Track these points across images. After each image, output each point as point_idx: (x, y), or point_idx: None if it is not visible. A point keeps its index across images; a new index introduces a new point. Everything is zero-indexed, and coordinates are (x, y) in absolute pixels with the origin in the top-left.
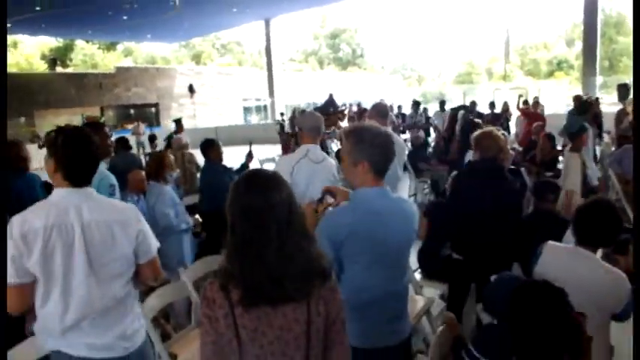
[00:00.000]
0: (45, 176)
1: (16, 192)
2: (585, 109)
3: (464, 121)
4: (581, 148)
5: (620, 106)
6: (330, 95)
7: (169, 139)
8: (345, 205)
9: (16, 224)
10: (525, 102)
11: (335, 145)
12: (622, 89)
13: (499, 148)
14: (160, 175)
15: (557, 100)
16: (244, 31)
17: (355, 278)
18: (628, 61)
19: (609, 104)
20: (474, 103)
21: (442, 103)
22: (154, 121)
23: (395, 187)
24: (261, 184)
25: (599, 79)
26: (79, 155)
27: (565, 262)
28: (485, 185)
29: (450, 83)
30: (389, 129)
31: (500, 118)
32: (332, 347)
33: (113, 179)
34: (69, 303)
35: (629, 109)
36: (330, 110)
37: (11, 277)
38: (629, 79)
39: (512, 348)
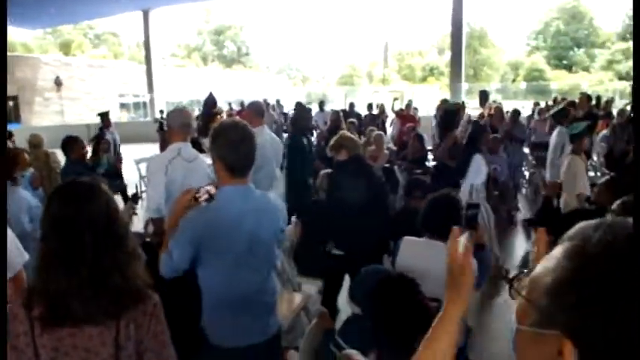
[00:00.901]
0: None
1: None
2: (450, 120)
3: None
4: (582, 150)
5: (480, 110)
6: (210, 93)
7: (97, 137)
8: (206, 206)
9: None
10: (404, 106)
11: None
12: (482, 95)
13: (359, 147)
14: (11, 174)
15: (430, 104)
16: (121, 22)
17: (217, 275)
18: (489, 71)
19: (472, 109)
20: (352, 105)
21: (321, 104)
22: (12, 116)
23: (271, 185)
24: (75, 195)
25: (464, 86)
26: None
27: (419, 253)
28: (356, 181)
29: (334, 84)
30: (265, 128)
31: (377, 120)
32: None
33: None
34: None
35: (486, 112)
36: (212, 111)
37: None
38: (488, 86)
39: (372, 336)
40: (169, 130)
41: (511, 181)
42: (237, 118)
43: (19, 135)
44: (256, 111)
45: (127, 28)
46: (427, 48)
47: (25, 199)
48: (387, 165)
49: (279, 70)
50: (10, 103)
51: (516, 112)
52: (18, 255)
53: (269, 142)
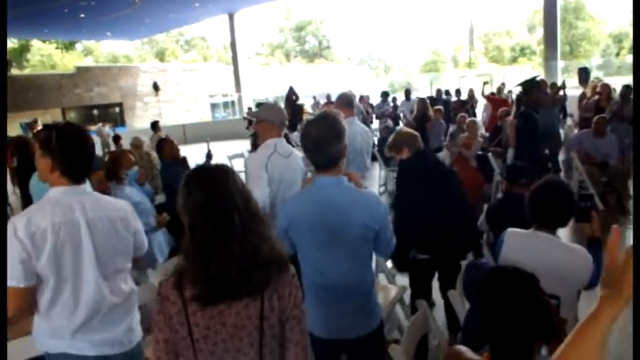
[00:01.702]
0: None
1: None
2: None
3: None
4: None
5: (581, 90)
6: (291, 87)
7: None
8: (300, 192)
9: (21, 225)
10: (496, 89)
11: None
12: (582, 73)
13: (419, 141)
14: (117, 174)
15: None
16: (208, 26)
17: (304, 262)
18: (587, 46)
19: (571, 88)
20: (439, 91)
21: (407, 92)
22: (118, 121)
23: (363, 176)
24: (211, 177)
25: (560, 64)
26: (76, 151)
27: (526, 246)
28: (425, 179)
29: (417, 72)
30: (356, 119)
31: (467, 105)
32: (288, 346)
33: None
34: (79, 301)
35: (589, 92)
36: (296, 105)
37: (19, 281)
38: (588, 63)
39: (483, 335)
40: (266, 125)
41: (621, 165)
42: (328, 109)
43: (125, 137)
44: (345, 102)
45: (214, 32)
46: (516, 27)
47: (129, 196)
48: (480, 152)
49: (361, 61)
50: (117, 109)
51: (627, 89)
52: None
53: (360, 133)
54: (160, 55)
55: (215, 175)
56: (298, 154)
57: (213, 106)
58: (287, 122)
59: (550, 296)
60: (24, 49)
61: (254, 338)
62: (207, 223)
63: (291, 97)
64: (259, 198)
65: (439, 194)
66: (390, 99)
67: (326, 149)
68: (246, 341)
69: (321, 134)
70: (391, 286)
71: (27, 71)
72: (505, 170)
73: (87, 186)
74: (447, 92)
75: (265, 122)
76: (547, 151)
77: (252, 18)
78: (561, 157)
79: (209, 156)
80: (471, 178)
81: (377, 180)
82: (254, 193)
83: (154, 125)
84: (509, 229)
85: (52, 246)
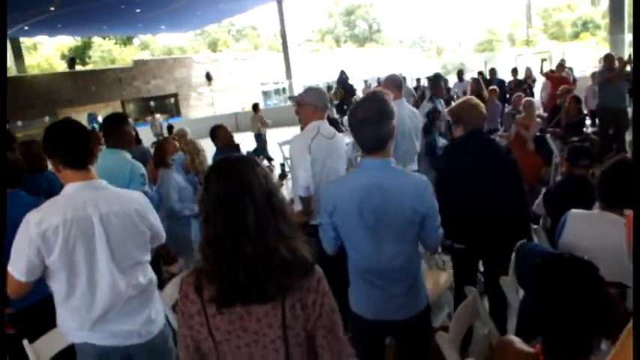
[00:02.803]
0: None
1: (41, 189)
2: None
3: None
4: None
5: None
6: (342, 72)
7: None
8: (345, 175)
9: (33, 222)
10: (555, 67)
11: None
12: None
13: (483, 117)
14: (163, 159)
15: (584, 63)
16: (258, 15)
17: (350, 246)
18: None
19: None
20: (493, 71)
21: (460, 73)
22: (174, 111)
23: (412, 158)
24: (232, 168)
25: (627, 37)
26: (66, 137)
27: (591, 229)
28: (476, 163)
29: (471, 52)
30: (404, 101)
31: (523, 85)
32: (322, 354)
33: (143, 168)
34: (95, 295)
35: None
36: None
37: (20, 275)
38: None
39: (536, 328)
40: (309, 108)
41: None
42: (376, 90)
43: (180, 127)
44: (393, 84)
45: (265, 21)
46: (577, 0)
47: (175, 179)
48: (538, 134)
49: (413, 44)
50: (172, 100)
51: None
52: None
53: (408, 115)
54: (213, 46)
55: (235, 167)
56: (341, 136)
57: (265, 93)
58: (329, 105)
59: (616, 284)
60: (86, 46)
61: (279, 346)
62: (220, 218)
63: (342, 81)
64: (303, 180)
65: (491, 180)
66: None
67: (373, 130)
68: (271, 348)
69: (368, 115)
70: (441, 272)
71: (89, 67)
72: (568, 151)
73: (100, 181)
74: (492, 71)
75: (308, 105)
76: (611, 131)
77: (301, 4)
78: (628, 137)
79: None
80: (528, 161)
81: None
82: (297, 175)
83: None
84: (573, 211)
85: (63, 242)
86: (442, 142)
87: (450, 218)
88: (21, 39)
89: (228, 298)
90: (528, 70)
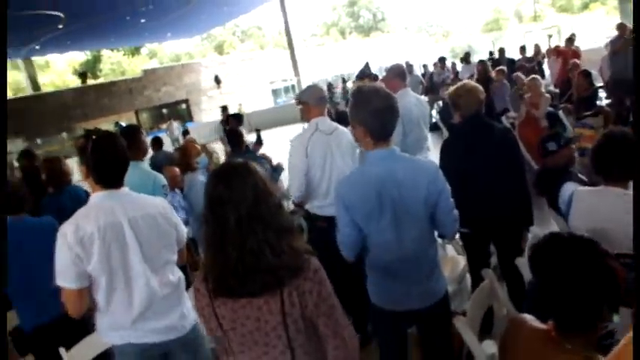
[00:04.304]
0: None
1: (62, 206)
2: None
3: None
4: None
5: None
6: (366, 63)
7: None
8: (355, 169)
9: (70, 231)
10: (564, 41)
11: None
12: None
13: (479, 102)
14: (189, 164)
15: (594, 35)
16: (262, 14)
17: (368, 237)
18: None
19: None
20: (502, 51)
21: (467, 55)
22: (186, 117)
23: (422, 147)
24: (224, 175)
25: None
26: (107, 158)
27: (597, 206)
28: (473, 149)
29: (478, 33)
30: (409, 90)
31: (533, 62)
32: (326, 339)
33: (163, 179)
34: (133, 295)
35: None
36: (365, 79)
37: (71, 282)
38: None
39: (542, 309)
40: (306, 107)
41: None
42: (378, 84)
43: (195, 132)
44: (397, 74)
45: (268, 19)
46: None
47: (201, 181)
48: (550, 110)
49: (418, 29)
50: (183, 106)
51: None
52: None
53: (414, 104)
54: (219, 49)
55: (226, 175)
56: (344, 129)
57: (274, 92)
58: (326, 99)
59: (620, 255)
60: (96, 60)
61: (280, 332)
62: (210, 220)
63: (366, 73)
64: (296, 189)
65: (482, 168)
66: (449, 64)
67: (390, 118)
68: (273, 335)
69: (384, 104)
70: (460, 257)
71: (100, 80)
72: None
73: (125, 189)
74: (501, 51)
75: (305, 104)
76: (628, 102)
77: (304, 0)
78: None
79: (258, 141)
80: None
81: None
82: (291, 183)
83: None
84: (578, 189)
85: (99, 248)
86: None
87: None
88: (33, 58)
89: (220, 292)
90: (537, 47)
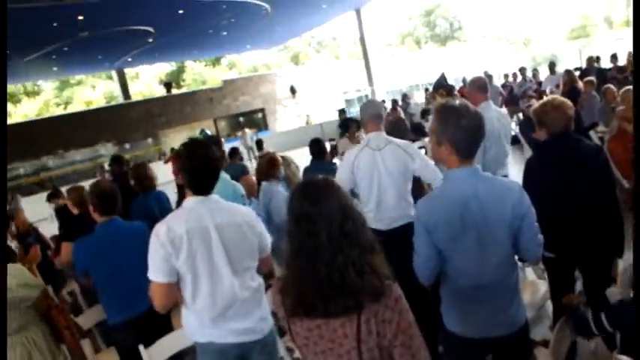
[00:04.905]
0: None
1: (148, 208)
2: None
3: None
4: None
5: None
6: (442, 74)
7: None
8: (436, 188)
9: (162, 231)
10: None
11: None
12: None
13: (567, 118)
14: (272, 174)
15: None
16: (338, 25)
17: (452, 263)
18: None
19: None
20: (590, 60)
21: (552, 65)
22: (262, 125)
23: (503, 163)
24: (312, 192)
25: None
26: (199, 166)
27: None
28: (562, 169)
29: (563, 40)
30: (491, 103)
31: (625, 72)
32: None
33: (242, 188)
34: (216, 296)
35: None
36: (440, 90)
37: (163, 277)
38: None
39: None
40: (362, 122)
41: None
42: (462, 100)
43: (268, 141)
44: (479, 87)
45: (344, 30)
46: None
47: (282, 192)
48: None
49: (497, 37)
50: (259, 115)
51: None
52: (270, 239)
53: (496, 118)
54: (295, 60)
55: (315, 191)
56: (399, 143)
57: (348, 101)
58: (382, 114)
59: None
60: (180, 70)
61: (354, 357)
62: (297, 236)
63: (442, 84)
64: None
65: (570, 189)
66: (529, 74)
67: (479, 137)
68: (346, 358)
69: (474, 123)
70: (540, 282)
71: (183, 90)
72: None
73: (216, 196)
74: (590, 60)
75: (363, 120)
76: None
77: (379, 10)
78: None
79: (333, 152)
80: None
81: (521, 164)
82: None
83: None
84: None
85: (187, 248)
86: None
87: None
88: (125, 70)
89: (299, 309)
90: (630, 55)
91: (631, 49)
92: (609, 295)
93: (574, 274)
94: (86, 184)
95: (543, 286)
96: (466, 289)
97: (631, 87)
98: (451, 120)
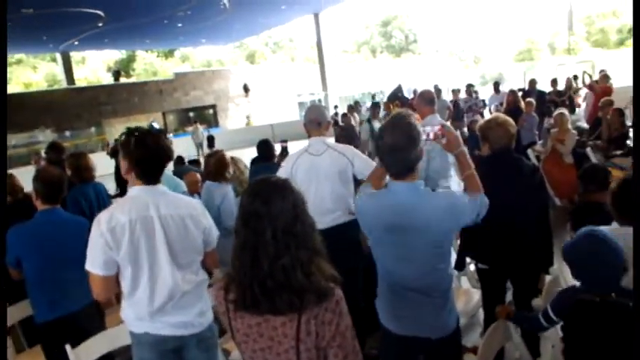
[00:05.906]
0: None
1: (86, 200)
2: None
3: None
4: None
5: None
6: (399, 86)
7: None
8: (375, 193)
9: (104, 219)
10: (597, 77)
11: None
12: None
13: (510, 136)
14: (222, 174)
15: (630, 71)
16: (295, 27)
17: (378, 260)
18: None
19: None
20: (532, 82)
21: (496, 85)
22: (212, 122)
23: (446, 175)
24: (263, 191)
25: None
26: (150, 155)
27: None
28: (499, 184)
29: (510, 61)
30: (437, 115)
31: (564, 96)
32: None
33: (184, 186)
34: (155, 288)
35: None
36: (396, 101)
37: (100, 270)
38: None
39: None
40: (305, 126)
41: None
42: (400, 110)
43: (218, 138)
44: (426, 100)
45: (301, 33)
46: (623, 6)
47: (234, 197)
48: (579, 149)
49: (450, 53)
50: (210, 111)
51: None
52: (217, 233)
53: None
54: (251, 58)
55: (266, 190)
56: (339, 150)
57: (301, 104)
58: (324, 120)
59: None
60: (130, 59)
61: (292, 356)
62: (243, 233)
63: (397, 96)
64: None
65: (506, 204)
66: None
67: (402, 157)
68: (284, 357)
69: (396, 141)
70: (474, 290)
71: (133, 79)
72: (581, 172)
73: (163, 187)
74: (532, 82)
75: (305, 125)
76: None
77: (338, 16)
78: None
79: (283, 153)
80: (566, 176)
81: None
82: None
83: None
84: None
85: (129, 238)
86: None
87: (473, 238)
88: (71, 53)
89: (242, 304)
90: (569, 81)
91: (571, 73)
92: (535, 305)
93: (505, 284)
94: (17, 171)
95: (476, 295)
96: (397, 287)
97: (564, 110)
98: (379, 137)
